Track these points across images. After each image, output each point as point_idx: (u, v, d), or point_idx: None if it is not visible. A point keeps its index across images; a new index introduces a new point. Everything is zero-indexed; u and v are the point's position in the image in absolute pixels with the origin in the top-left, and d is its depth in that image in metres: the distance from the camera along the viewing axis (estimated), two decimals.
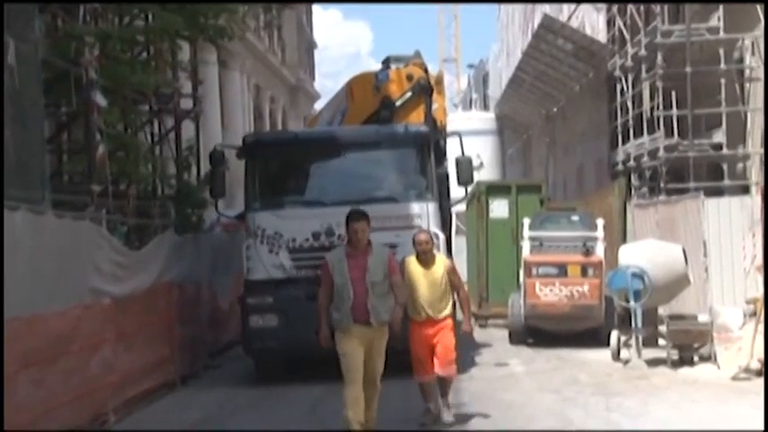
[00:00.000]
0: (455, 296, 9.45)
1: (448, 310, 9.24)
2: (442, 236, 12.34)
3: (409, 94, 13.92)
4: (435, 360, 9.25)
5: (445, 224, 13.49)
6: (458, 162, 13.07)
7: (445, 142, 14.83)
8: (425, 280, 9.12)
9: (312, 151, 13.02)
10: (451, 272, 9.28)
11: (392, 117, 13.82)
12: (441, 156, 13.89)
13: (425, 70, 14.29)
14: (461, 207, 23.66)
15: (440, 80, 14.97)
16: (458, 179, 13.03)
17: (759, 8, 19.80)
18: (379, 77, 14.28)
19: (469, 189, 13.44)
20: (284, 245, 12.36)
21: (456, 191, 14.08)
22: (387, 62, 14.67)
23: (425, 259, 9.20)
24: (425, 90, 13.91)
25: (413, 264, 9.23)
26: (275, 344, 12.22)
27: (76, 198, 12.21)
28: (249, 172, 12.84)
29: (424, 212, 12.32)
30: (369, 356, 8.48)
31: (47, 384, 8.74)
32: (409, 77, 14.00)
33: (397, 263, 8.80)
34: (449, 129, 15.57)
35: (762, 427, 8.61)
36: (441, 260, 9.34)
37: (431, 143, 12.79)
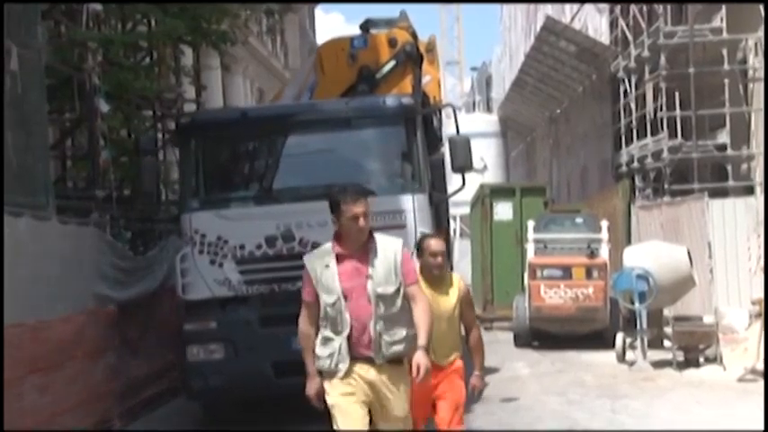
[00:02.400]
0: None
1: (457, 353, 6.39)
2: None
3: (393, 63, 11.45)
4: (437, 418, 6.34)
5: (440, 223, 10.88)
6: (452, 142, 10.24)
7: (440, 123, 12.31)
8: (438, 306, 6.14)
9: (265, 133, 10.28)
10: (466, 301, 6.41)
11: (372, 91, 11.33)
12: (434, 139, 11.26)
13: (413, 35, 11.84)
14: (465, 210, 23.76)
15: (431, 47, 12.43)
16: (452, 164, 10.22)
17: (762, 8, 19.77)
18: (354, 44, 11.66)
19: (467, 176, 10.35)
20: (230, 254, 9.65)
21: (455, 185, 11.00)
22: (366, 26, 12.00)
23: (436, 278, 6.28)
24: (413, 58, 11.44)
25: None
26: (221, 382, 9.58)
27: (80, 204, 12.22)
28: (184, 161, 10.28)
29: (409, 208, 9.57)
30: (379, 415, 5.53)
31: (52, 390, 8.74)
32: (392, 43, 11.49)
33: (415, 264, 5.90)
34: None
35: (761, 428, 8.59)
36: (455, 281, 6.41)
37: (417, 119, 10.04)
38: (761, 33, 20.35)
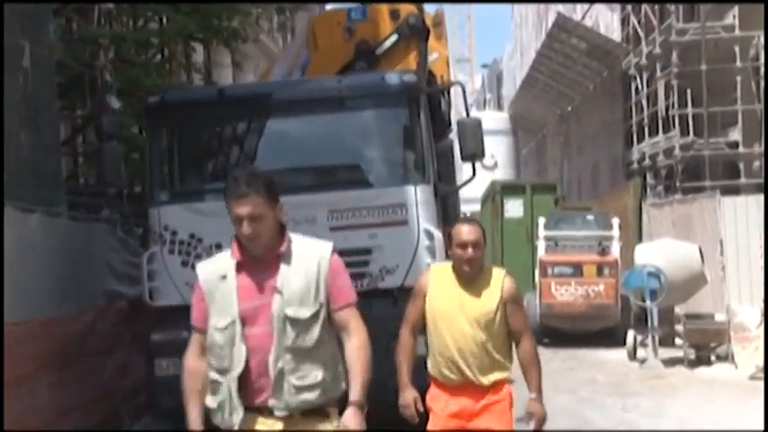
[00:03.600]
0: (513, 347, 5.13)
1: (504, 372, 5.01)
2: (438, 234, 8.32)
3: (395, 37, 10.00)
4: None
5: (447, 219, 9.14)
6: (460, 126, 8.83)
7: (448, 107, 10.92)
8: (465, 312, 4.91)
9: (245, 115, 9.01)
10: (512, 303, 5.03)
11: (372, 69, 9.98)
12: (441, 124, 9.95)
13: (419, 7, 10.40)
14: (475, 207, 23.74)
15: (439, 20, 11.02)
16: (461, 151, 8.80)
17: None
18: (352, 16, 10.25)
19: (478, 165, 8.95)
20: (205, 254, 8.15)
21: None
22: None
23: (467, 276, 4.96)
24: (418, 32, 9.95)
25: (444, 280, 5.03)
26: None
27: (92, 200, 12.24)
28: (153, 147, 9.10)
29: (411, 201, 8.33)
30: None
31: (61, 387, 8.75)
32: (394, 15, 10.09)
33: (346, 280, 4.00)
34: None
35: (761, 427, 8.56)
36: (498, 278, 5.01)
37: (421, 100, 8.74)
38: None
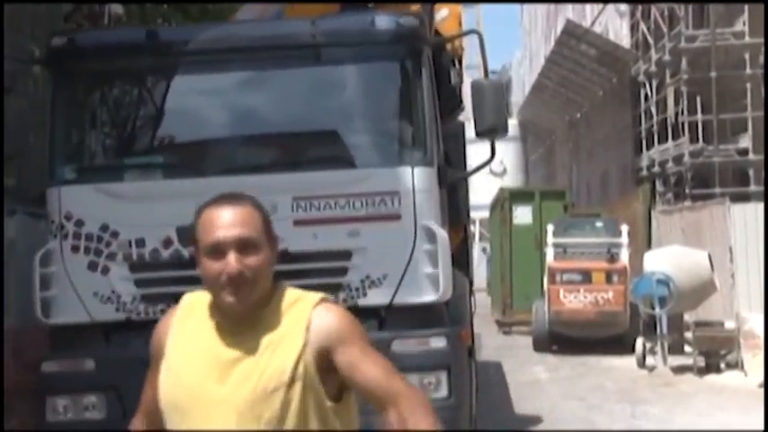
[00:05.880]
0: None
1: None
2: (443, 234, 6.11)
3: None
4: None
5: (456, 215, 7.17)
6: (476, 89, 6.35)
7: (460, 80, 8.43)
8: (227, 394, 2.36)
9: (184, 67, 6.70)
10: (345, 343, 2.43)
11: None
12: (451, 98, 7.66)
13: None
14: (484, 213, 23.72)
15: None
16: (475, 123, 6.29)
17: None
18: None
19: (497, 143, 6.57)
20: (121, 253, 6.16)
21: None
22: None
23: (236, 312, 2.42)
24: None
25: (195, 327, 2.48)
26: None
27: None
28: (58, 107, 6.57)
29: (406, 187, 6.08)
30: None
31: None
32: None
33: None
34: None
35: (761, 428, 8.54)
36: (302, 309, 2.44)
37: (424, 54, 6.36)
38: None
